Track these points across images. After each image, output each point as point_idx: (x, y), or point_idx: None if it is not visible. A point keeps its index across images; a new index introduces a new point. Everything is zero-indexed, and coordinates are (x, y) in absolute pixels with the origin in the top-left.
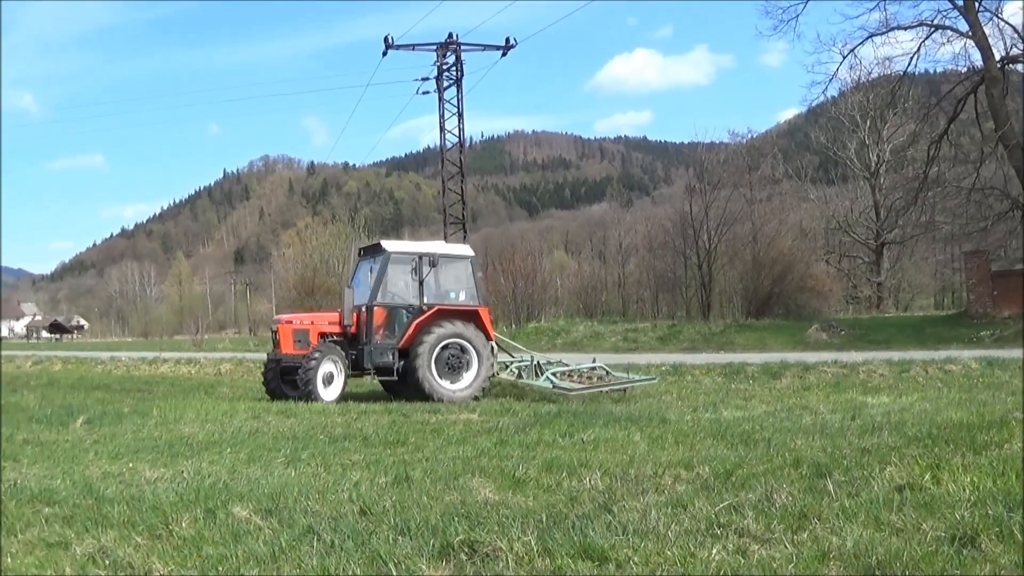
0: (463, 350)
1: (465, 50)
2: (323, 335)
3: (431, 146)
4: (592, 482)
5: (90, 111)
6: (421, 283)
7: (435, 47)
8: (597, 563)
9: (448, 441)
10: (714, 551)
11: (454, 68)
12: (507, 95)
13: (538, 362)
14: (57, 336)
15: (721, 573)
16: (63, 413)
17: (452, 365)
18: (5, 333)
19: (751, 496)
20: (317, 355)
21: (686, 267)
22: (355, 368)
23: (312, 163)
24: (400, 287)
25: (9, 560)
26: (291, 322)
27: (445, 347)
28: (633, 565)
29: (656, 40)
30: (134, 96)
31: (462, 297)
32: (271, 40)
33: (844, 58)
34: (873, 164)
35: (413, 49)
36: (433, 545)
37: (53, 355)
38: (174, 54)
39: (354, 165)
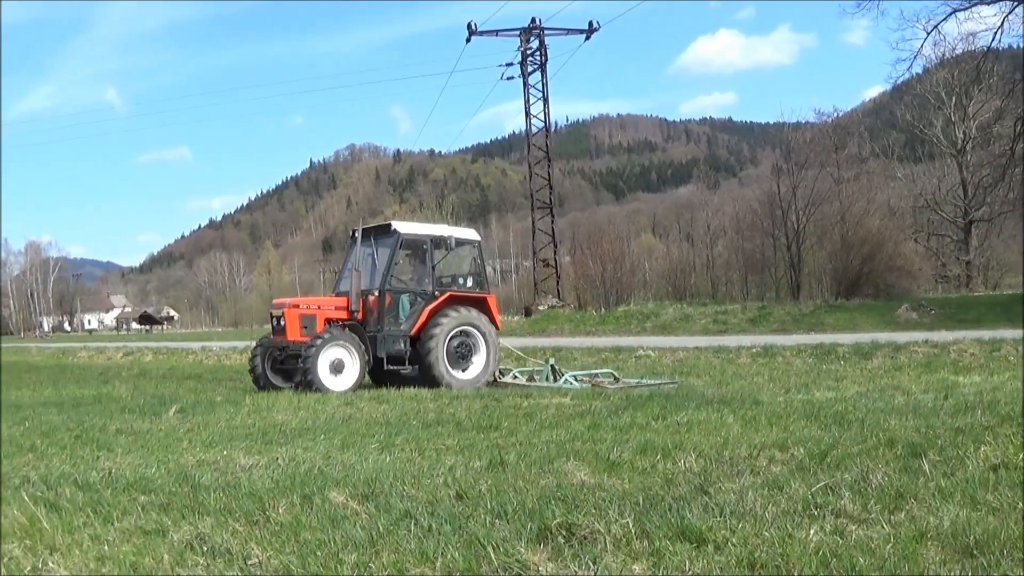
0: (472, 338)
1: (548, 35)
2: (330, 321)
3: (516, 132)
4: (687, 464)
5: (175, 104)
6: (433, 267)
7: (518, 32)
8: (695, 545)
9: (541, 425)
10: (812, 531)
11: (538, 53)
12: (591, 79)
13: (553, 366)
14: (147, 327)
15: (820, 553)
16: (155, 403)
17: (461, 353)
18: (95, 326)
19: (847, 476)
20: (319, 341)
21: (775, 248)
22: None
23: (398, 151)
24: (409, 271)
25: (106, 548)
26: (298, 306)
27: (455, 335)
28: (731, 547)
29: (738, 20)
30: (218, 89)
31: (470, 283)
32: (355, 30)
33: (928, 34)
34: (959, 141)
35: (496, 35)
36: (530, 528)
37: (144, 346)
38: (257, 47)
39: (440, 152)
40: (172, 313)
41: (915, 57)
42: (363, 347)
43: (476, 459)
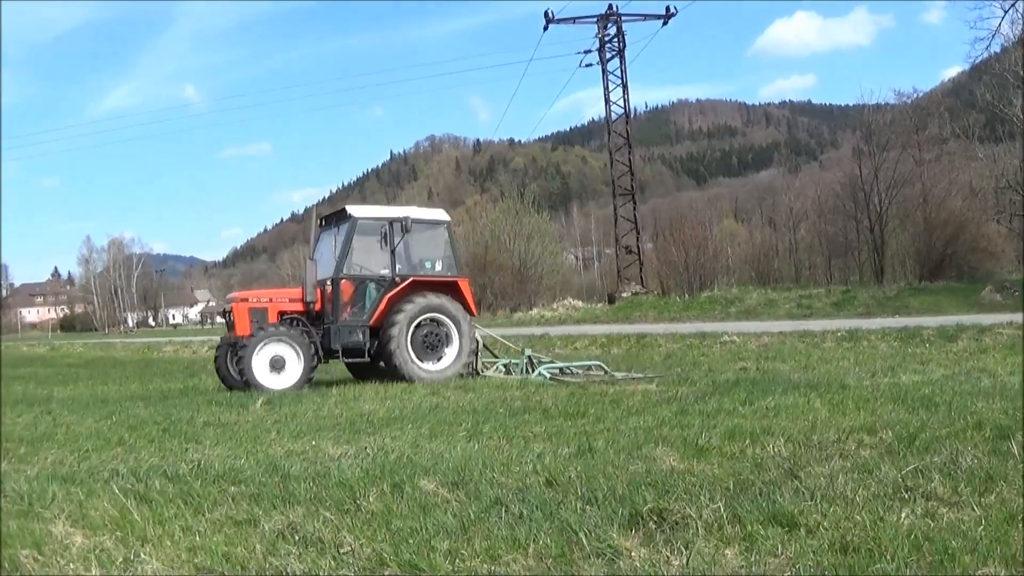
0: (442, 326)
1: (626, 21)
2: (283, 314)
3: (596, 119)
4: (775, 449)
5: (255, 99)
6: (393, 252)
7: (596, 19)
8: (786, 529)
9: (628, 411)
10: (903, 515)
11: (616, 40)
12: (669, 64)
13: (530, 357)
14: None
15: (912, 537)
16: (242, 395)
17: (430, 343)
18: (180, 320)
19: (936, 460)
20: (254, 338)
21: (858, 231)
22: (327, 350)
23: (478, 141)
24: (369, 257)
25: (198, 538)
26: (247, 300)
27: (421, 323)
28: (823, 530)
29: (815, 3)
30: (297, 83)
31: (439, 267)
32: (433, 21)
33: (1005, 13)
34: None
35: (574, 22)
36: (622, 514)
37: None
38: (336, 40)
39: (520, 141)
40: None
41: (993, 36)
42: (309, 342)
43: (564, 446)
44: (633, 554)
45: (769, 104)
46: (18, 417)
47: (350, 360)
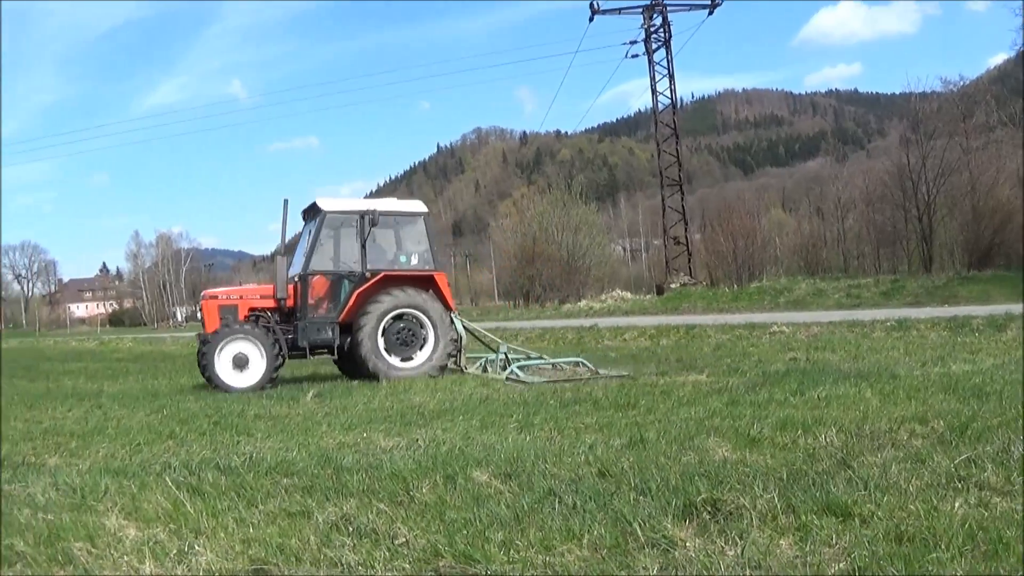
0: (416, 321)
1: (671, 11)
2: (254, 311)
3: (642, 110)
4: (827, 439)
5: (301, 94)
6: (363, 246)
7: (641, 10)
8: (840, 519)
9: (679, 402)
10: (956, 504)
11: (661, 30)
12: (715, 54)
13: (506, 354)
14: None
15: (966, 526)
16: (293, 388)
17: (404, 340)
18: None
19: (988, 449)
20: (215, 335)
21: (906, 220)
22: (294, 348)
23: (524, 133)
24: (340, 252)
25: (252, 530)
26: (216, 297)
27: (395, 319)
28: (877, 520)
29: None
30: (343, 78)
31: (415, 261)
32: (478, 13)
33: None
34: None
35: (619, 13)
36: (675, 504)
37: None
38: (381, 34)
39: (566, 133)
40: None
41: None
42: (272, 340)
43: (616, 437)
44: (688, 544)
45: (815, 93)
46: (68, 411)
47: (316, 355)
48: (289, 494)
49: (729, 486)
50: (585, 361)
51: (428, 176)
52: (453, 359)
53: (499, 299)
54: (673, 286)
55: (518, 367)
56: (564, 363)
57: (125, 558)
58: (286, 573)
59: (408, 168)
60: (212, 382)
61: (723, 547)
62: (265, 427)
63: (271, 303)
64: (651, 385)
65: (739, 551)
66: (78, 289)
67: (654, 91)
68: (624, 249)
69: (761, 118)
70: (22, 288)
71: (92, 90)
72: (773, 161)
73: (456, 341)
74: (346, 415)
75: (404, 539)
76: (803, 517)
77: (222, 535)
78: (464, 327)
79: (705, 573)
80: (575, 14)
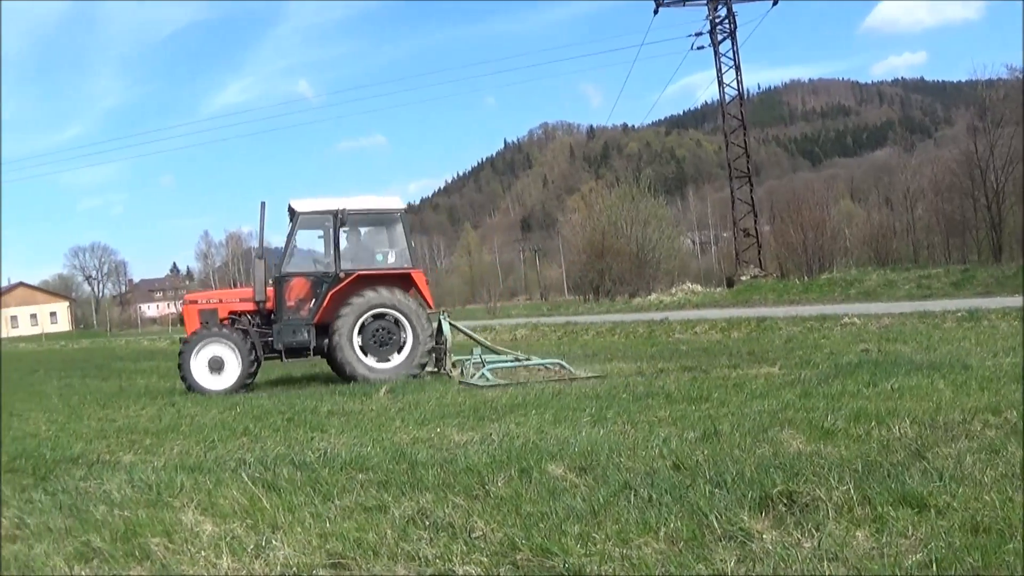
0: (395, 322)
1: (736, 1)
2: (234, 314)
3: (709, 102)
4: (901, 430)
5: (368, 92)
6: (336, 246)
7: (706, 1)
8: (916, 510)
9: (752, 395)
10: None
11: (727, 21)
12: (781, 45)
13: (482, 358)
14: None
15: None
16: (365, 384)
17: (381, 340)
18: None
19: None
20: (192, 339)
21: (975, 209)
22: (273, 351)
23: (591, 127)
24: (316, 252)
25: (328, 525)
26: (196, 301)
27: (374, 319)
28: (953, 511)
29: None
30: (409, 75)
31: (391, 259)
32: (542, 8)
33: None
34: None
35: (684, 5)
36: (751, 497)
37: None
38: (445, 31)
39: (633, 126)
40: None
41: None
42: (248, 342)
43: (689, 430)
44: (764, 536)
45: (882, 82)
46: (142, 410)
47: (294, 360)
48: (364, 489)
49: (804, 478)
50: (563, 363)
51: (496, 171)
52: (440, 362)
53: (569, 294)
54: (743, 278)
55: (488, 369)
56: (541, 364)
57: (202, 553)
58: (364, 567)
59: (476, 164)
60: (187, 384)
61: (799, 539)
62: (338, 423)
63: (251, 306)
64: (723, 378)
65: (816, 543)
66: (148, 289)
67: (720, 83)
68: (693, 242)
69: (828, 108)
70: (92, 289)
71: (159, 92)
72: (841, 151)
73: (434, 339)
74: (419, 411)
75: (481, 532)
76: (879, 508)
77: (299, 530)
78: (451, 328)
79: (782, 565)
80: (640, 7)
